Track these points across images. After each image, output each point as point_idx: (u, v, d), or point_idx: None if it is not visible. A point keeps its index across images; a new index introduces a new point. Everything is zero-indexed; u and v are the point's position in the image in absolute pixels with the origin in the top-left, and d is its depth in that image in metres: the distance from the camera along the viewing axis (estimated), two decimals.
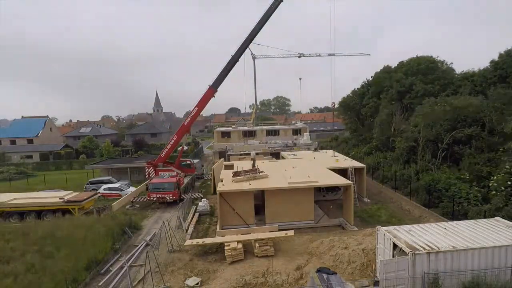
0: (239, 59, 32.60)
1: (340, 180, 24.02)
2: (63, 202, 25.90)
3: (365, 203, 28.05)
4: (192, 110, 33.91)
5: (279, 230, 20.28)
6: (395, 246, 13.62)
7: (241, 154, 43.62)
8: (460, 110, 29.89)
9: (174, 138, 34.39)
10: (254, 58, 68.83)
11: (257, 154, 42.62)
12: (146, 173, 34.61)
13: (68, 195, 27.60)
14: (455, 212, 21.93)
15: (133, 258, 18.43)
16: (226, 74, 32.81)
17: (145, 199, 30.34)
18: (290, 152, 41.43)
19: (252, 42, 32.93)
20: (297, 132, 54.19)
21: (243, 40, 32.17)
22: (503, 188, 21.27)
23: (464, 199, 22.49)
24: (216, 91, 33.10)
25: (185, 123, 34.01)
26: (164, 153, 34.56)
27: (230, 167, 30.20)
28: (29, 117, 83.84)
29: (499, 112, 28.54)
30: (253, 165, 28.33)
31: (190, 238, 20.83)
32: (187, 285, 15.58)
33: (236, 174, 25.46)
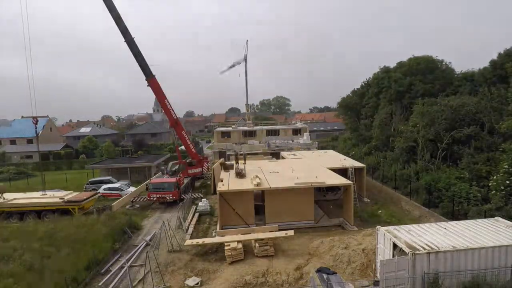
0: (132, 37, 30.47)
1: (340, 180, 24.03)
2: (63, 202, 25.91)
3: (365, 203, 28.06)
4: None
5: (279, 230, 20.26)
6: (395, 246, 13.64)
7: (241, 154, 43.50)
8: (456, 109, 29.89)
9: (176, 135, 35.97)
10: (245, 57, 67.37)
11: (257, 154, 42.72)
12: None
13: (68, 195, 27.62)
14: (455, 212, 21.92)
15: (133, 258, 18.44)
16: (140, 57, 31.27)
17: (145, 199, 30.36)
18: (290, 152, 41.45)
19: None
20: (297, 132, 54.14)
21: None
22: (502, 187, 21.28)
23: (464, 199, 22.45)
24: (154, 75, 32.21)
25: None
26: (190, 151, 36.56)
27: (230, 167, 30.17)
28: (29, 117, 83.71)
29: (497, 112, 28.54)
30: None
31: (190, 238, 20.86)
32: (187, 285, 15.59)
33: (238, 174, 25.55)
